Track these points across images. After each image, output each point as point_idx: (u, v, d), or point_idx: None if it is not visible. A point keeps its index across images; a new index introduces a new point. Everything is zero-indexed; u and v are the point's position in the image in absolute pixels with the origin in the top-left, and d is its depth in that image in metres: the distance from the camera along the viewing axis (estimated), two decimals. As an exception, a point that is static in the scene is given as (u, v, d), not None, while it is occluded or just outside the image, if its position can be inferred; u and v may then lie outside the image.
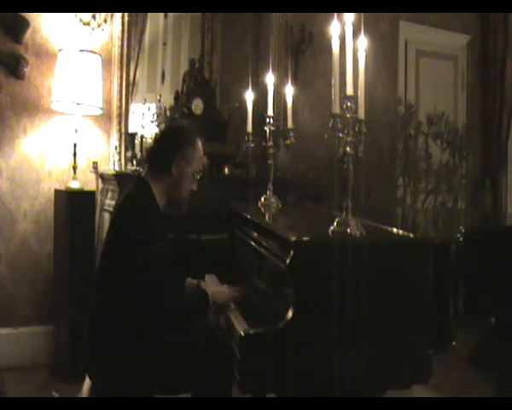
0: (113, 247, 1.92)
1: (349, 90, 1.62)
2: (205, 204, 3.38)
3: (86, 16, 3.53)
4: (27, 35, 3.41)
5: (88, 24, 3.54)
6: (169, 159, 2.01)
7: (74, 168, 3.37)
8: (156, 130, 3.71)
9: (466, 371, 3.38)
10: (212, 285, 2.14)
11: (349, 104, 1.62)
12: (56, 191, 3.45)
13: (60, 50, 3.33)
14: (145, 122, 3.64)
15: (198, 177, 2.10)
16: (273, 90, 2.57)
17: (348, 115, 1.63)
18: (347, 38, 1.62)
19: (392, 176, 4.56)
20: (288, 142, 2.54)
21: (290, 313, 1.54)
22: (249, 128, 2.63)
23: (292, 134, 2.53)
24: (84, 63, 3.28)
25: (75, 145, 3.38)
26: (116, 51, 3.60)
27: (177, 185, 2.04)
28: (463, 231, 1.81)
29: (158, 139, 2.22)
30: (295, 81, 3.85)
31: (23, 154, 3.46)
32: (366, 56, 1.70)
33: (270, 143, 2.54)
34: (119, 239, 1.89)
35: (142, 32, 3.68)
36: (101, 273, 1.96)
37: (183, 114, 3.72)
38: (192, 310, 1.94)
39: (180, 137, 2.08)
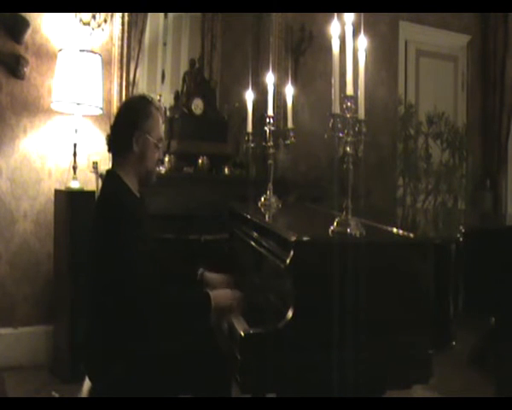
0: (96, 247, 1.92)
1: (349, 90, 1.62)
2: (205, 204, 3.40)
3: (86, 16, 3.54)
4: (27, 35, 3.41)
5: (88, 24, 3.55)
6: (127, 136, 1.96)
7: (74, 168, 3.38)
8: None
9: (466, 371, 3.38)
10: (218, 286, 2.13)
11: (349, 104, 1.62)
12: (56, 191, 3.45)
13: (60, 50, 3.33)
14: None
15: (160, 145, 2.05)
16: (273, 90, 2.56)
17: (348, 115, 1.63)
18: (347, 38, 1.62)
19: (392, 176, 4.56)
20: (288, 142, 2.54)
21: (290, 313, 1.54)
22: (249, 128, 2.63)
23: (292, 134, 2.52)
24: (84, 63, 3.28)
25: (75, 145, 3.38)
26: (116, 51, 3.61)
27: (141, 160, 1.99)
28: (463, 231, 1.81)
29: (113, 123, 2.13)
30: (295, 81, 3.85)
31: (23, 154, 3.46)
32: (366, 56, 1.69)
33: (270, 143, 2.54)
34: (100, 238, 1.89)
35: (142, 32, 3.68)
36: (91, 275, 1.95)
37: (183, 114, 3.72)
38: (191, 309, 1.91)
39: (133, 111, 2.02)
